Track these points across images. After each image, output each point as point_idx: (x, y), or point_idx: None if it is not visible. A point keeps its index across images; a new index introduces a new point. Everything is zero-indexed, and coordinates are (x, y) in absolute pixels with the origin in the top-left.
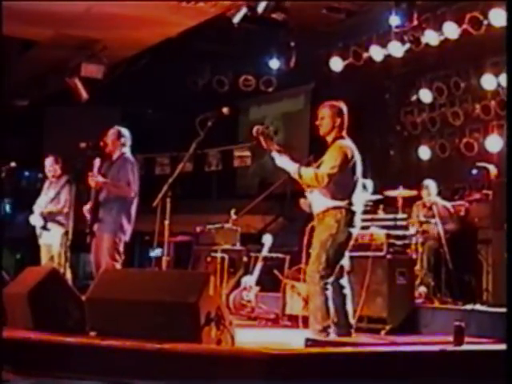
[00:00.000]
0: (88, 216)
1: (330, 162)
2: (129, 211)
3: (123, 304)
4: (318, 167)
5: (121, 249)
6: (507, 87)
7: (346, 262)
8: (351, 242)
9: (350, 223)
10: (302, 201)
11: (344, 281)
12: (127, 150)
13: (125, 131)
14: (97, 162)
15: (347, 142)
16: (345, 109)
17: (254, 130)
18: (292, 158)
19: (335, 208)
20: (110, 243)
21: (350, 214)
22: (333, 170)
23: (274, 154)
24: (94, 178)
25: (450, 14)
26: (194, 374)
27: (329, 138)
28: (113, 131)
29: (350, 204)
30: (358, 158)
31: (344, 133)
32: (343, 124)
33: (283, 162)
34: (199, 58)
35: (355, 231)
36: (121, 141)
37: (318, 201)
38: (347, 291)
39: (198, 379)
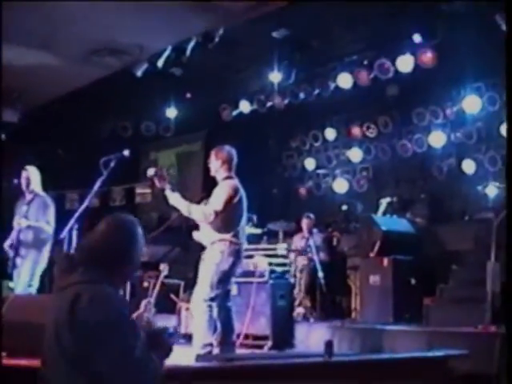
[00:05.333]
0: (9, 250)
1: (216, 199)
2: (47, 245)
3: (32, 326)
4: (206, 204)
5: (38, 275)
6: (507, 88)
7: (232, 287)
8: (236, 269)
9: (233, 253)
10: (194, 233)
11: (230, 303)
12: (38, 188)
13: (34, 170)
14: (20, 202)
15: (233, 182)
16: (232, 152)
17: (148, 171)
18: (184, 196)
19: (221, 240)
20: (31, 271)
21: (234, 245)
22: (218, 206)
23: (168, 193)
24: (18, 221)
25: (323, 72)
26: None
27: (218, 178)
28: (25, 171)
29: (235, 236)
30: (242, 195)
31: (232, 173)
32: (230, 165)
33: (175, 200)
34: (106, 106)
35: (239, 260)
36: (32, 179)
37: (206, 234)
38: (232, 313)
39: None
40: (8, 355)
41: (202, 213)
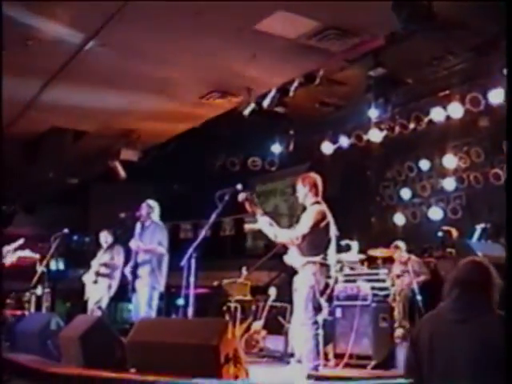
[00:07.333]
0: (129, 275)
1: (303, 223)
2: (162, 267)
3: (157, 346)
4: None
5: (156, 298)
6: (507, 89)
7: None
8: (328, 291)
9: (324, 274)
10: (285, 256)
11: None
12: (157, 218)
13: (154, 203)
14: (138, 227)
15: (319, 207)
16: (317, 178)
17: (240, 196)
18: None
19: (311, 263)
20: (149, 294)
21: (325, 266)
22: (305, 230)
23: (258, 217)
24: (136, 242)
25: (417, 107)
26: None
27: (307, 204)
28: (145, 204)
29: (324, 258)
30: (330, 219)
31: (319, 198)
32: (317, 190)
33: (263, 225)
34: (216, 143)
35: (330, 281)
36: (152, 211)
37: (296, 256)
38: (320, 331)
39: None
40: (137, 371)
41: (288, 237)
